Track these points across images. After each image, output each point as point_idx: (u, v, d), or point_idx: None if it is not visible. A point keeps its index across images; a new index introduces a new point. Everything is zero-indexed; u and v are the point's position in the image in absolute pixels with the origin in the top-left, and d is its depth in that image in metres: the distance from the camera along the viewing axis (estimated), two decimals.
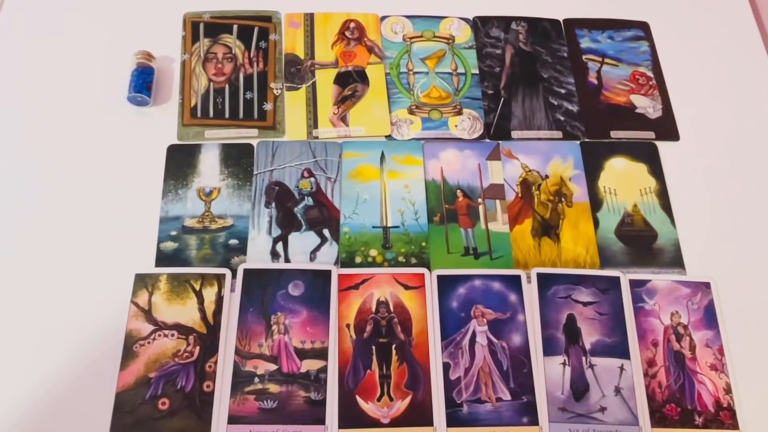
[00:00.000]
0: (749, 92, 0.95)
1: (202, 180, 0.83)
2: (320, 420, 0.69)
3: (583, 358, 0.74)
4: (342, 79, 0.91)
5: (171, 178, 0.83)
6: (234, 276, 0.76)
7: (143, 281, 0.75)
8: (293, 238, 0.80)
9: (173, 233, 0.79)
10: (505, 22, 0.98)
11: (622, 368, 0.73)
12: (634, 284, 0.78)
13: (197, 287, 0.75)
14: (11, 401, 0.69)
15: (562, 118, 0.90)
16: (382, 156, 0.86)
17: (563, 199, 0.84)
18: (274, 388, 0.70)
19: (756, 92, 0.95)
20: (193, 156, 0.84)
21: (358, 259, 0.79)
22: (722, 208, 0.85)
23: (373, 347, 0.73)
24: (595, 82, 0.94)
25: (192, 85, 0.89)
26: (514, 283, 0.77)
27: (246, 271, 0.76)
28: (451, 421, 0.70)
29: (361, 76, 0.91)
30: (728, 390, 0.73)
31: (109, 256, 0.77)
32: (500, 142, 0.88)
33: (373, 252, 0.79)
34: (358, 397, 0.70)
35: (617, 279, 0.78)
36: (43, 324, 0.73)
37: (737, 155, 0.89)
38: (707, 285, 0.79)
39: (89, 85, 0.89)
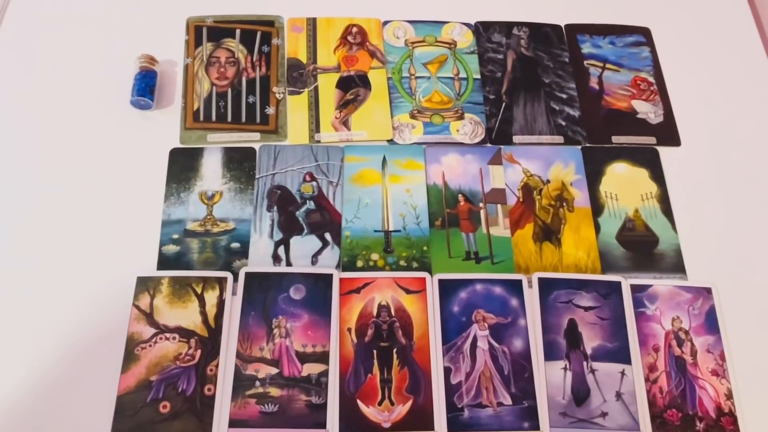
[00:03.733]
0: (750, 98, 0.95)
1: (205, 183, 0.83)
2: (321, 424, 0.69)
3: (584, 363, 0.74)
4: (344, 84, 0.91)
5: (173, 181, 0.83)
6: (235, 279, 0.76)
7: (145, 284, 0.75)
8: (295, 241, 0.80)
9: (175, 236, 0.79)
10: (506, 27, 0.98)
11: (623, 373, 0.73)
12: (636, 289, 0.78)
13: (199, 290, 0.75)
14: (12, 403, 0.69)
15: (563, 123, 0.91)
16: (384, 160, 0.86)
17: (564, 204, 0.84)
18: (275, 391, 0.70)
19: (757, 98, 0.95)
20: (196, 159, 0.85)
21: (359, 263, 0.79)
22: (723, 213, 0.85)
23: (374, 351, 0.73)
24: (597, 87, 0.94)
25: (195, 88, 0.89)
26: (515, 287, 0.77)
27: (248, 275, 0.76)
28: (452, 425, 0.70)
29: (363, 81, 0.92)
30: (729, 395, 0.73)
31: (111, 259, 0.77)
32: (502, 146, 0.88)
33: (375, 256, 0.79)
34: (359, 401, 0.70)
35: (618, 284, 0.78)
36: (45, 326, 0.73)
37: (738, 160, 0.89)
38: (708, 290, 0.79)
39: (92, 88, 0.89)
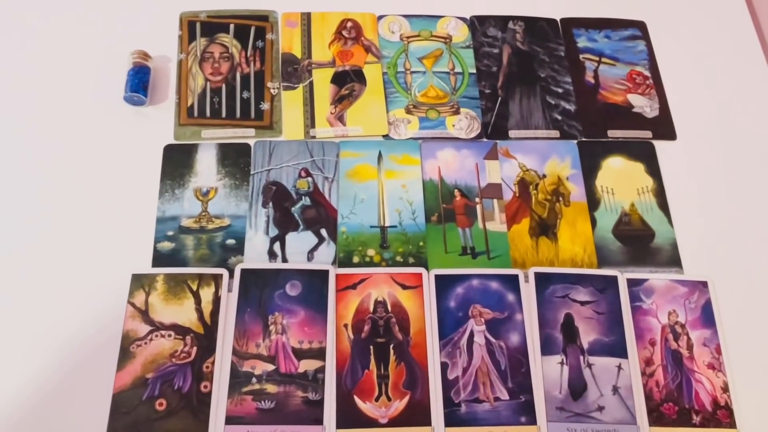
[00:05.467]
0: (746, 91, 0.95)
1: (199, 180, 0.83)
2: (318, 420, 0.69)
3: (581, 358, 0.74)
4: (339, 79, 0.91)
5: (168, 178, 0.82)
6: (231, 276, 0.76)
7: (140, 282, 0.75)
8: (290, 238, 0.80)
9: (170, 233, 0.79)
10: (502, 21, 0.98)
11: (619, 367, 0.73)
12: (632, 283, 0.78)
13: (194, 287, 0.75)
14: (7, 402, 0.69)
15: (559, 118, 0.90)
16: (380, 155, 0.86)
17: (561, 199, 0.84)
18: (271, 388, 0.70)
19: (752, 91, 0.95)
20: (190, 156, 0.84)
21: (355, 259, 0.79)
22: (719, 207, 0.85)
23: (371, 347, 0.73)
24: (592, 81, 0.94)
25: (189, 84, 0.89)
26: (511, 282, 0.77)
27: (243, 271, 0.76)
28: (449, 420, 0.70)
29: (358, 76, 0.91)
30: (725, 389, 0.73)
31: (106, 256, 0.77)
32: (498, 141, 0.88)
33: (371, 252, 0.79)
34: (356, 397, 0.70)
35: (615, 278, 0.78)
36: (40, 324, 0.73)
37: (734, 154, 0.90)
38: (704, 284, 0.79)
39: (85, 84, 0.88)
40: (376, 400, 0.70)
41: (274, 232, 0.80)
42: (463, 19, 0.98)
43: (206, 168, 0.83)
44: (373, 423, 0.69)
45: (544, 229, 0.82)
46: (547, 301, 0.77)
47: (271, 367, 0.71)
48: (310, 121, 0.88)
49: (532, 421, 0.70)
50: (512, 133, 0.89)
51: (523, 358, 0.73)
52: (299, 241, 0.80)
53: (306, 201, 0.82)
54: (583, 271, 0.79)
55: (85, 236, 0.78)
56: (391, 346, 0.73)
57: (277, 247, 0.79)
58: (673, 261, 0.81)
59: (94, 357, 0.71)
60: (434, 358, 0.73)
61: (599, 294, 0.77)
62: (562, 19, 0.99)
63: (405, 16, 0.97)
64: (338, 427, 0.69)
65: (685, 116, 0.92)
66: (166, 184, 0.82)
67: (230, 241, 0.79)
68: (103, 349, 0.71)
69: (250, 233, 0.79)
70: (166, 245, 0.78)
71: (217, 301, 0.74)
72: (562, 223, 0.83)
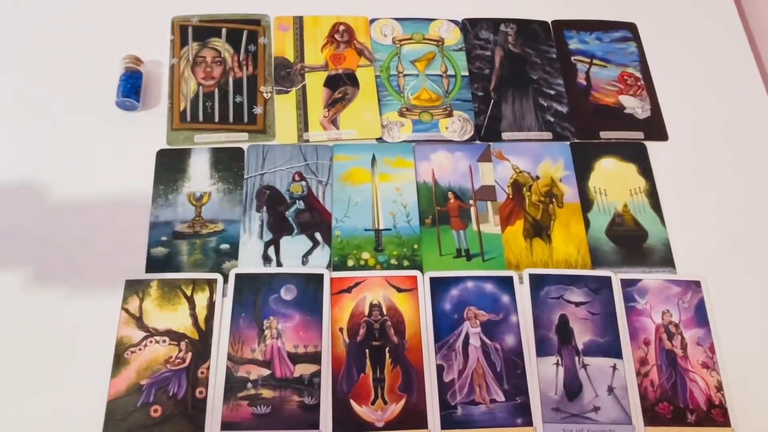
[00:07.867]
0: (736, 91, 0.95)
1: (193, 185, 0.82)
2: (314, 425, 0.69)
3: (576, 358, 0.74)
4: (332, 82, 0.91)
5: (161, 183, 0.82)
6: (225, 281, 0.76)
7: (134, 287, 0.74)
8: (285, 242, 0.80)
9: (164, 238, 0.78)
10: (494, 24, 0.98)
11: (614, 368, 0.74)
12: (626, 284, 0.79)
13: (188, 293, 0.75)
14: (1, 410, 0.68)
15: (551, 119, 0.91)
16: (373, 159, 0.86)
17: (554, 200, 0.85)
18: (267, 393, 0.70)
19: (742, 91, 0.95)
20: (183, 160, 0.84)
21: (350, 263, 0.79)
22: (711, 206, 0.86)
23: (367, 351, 0.73)
24: (584, 83, 0.94)
25: (181, 89, 0.89)
26: (506, 284, 0.77)
27: (238, 276, 0.76)
28: (446, 423, 0.70)
29: (351, 79, 0.91)
30: (719, 387, 0.74)
31: (99, 262, 0.76)
32: (491, 143, 0.88)
33: (366, 255, 0.79)
34: (352, 401, 0.70)
35: (608, 279, 0.79)
36: (33, 330, 0.72)
37: (725, 154, 0.90)
38: (697, 284, 0.79)
39: (77, 90, 0.88)
40: (372, 403, 0.70)
41: (268, 236, 0.80)
42: (455, 22, 0.98)
43: (199, 173, 0.83)
44: (369, 427, 0.69)
45: (538, 230, 0.83)
46: (541, 303, 0.77)
47: (266, 372, 0.71)
48: (304, 124, 0.87)
49: (528, 422, 0.70)
50: (505, 135, 0.89)
51: (518, 360, 0.73)
52: (294, 245, 0.79)
53: (300, 205, 0.82)
54: (577, 272, 0.79)
55: (78, 242, 0.78)
56: (387, 350, 0.73)
57: (271, 251, 0.79)
58: (666, 261, 0.81)
59: (88, 364, 0.71)
60: (430, 360, 0.73)
61: (593, 295, 0.78)
62: (554, 22, 0.99)
63: (397, 19, 0.97)
64: (335, 431, 0.69)
65: (676, 117, 0.92)
66: (159, 189, 0.82)
67: (224, 246, 0.79)
68: (97, 356, 0.71)
69: (244, 238, 0.79)
70: (160, 250, 0.78)
71: (211, 306, 0.74)
72: (556, 225, 0.83)
